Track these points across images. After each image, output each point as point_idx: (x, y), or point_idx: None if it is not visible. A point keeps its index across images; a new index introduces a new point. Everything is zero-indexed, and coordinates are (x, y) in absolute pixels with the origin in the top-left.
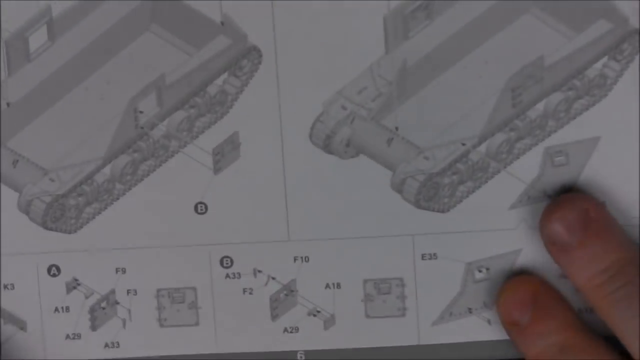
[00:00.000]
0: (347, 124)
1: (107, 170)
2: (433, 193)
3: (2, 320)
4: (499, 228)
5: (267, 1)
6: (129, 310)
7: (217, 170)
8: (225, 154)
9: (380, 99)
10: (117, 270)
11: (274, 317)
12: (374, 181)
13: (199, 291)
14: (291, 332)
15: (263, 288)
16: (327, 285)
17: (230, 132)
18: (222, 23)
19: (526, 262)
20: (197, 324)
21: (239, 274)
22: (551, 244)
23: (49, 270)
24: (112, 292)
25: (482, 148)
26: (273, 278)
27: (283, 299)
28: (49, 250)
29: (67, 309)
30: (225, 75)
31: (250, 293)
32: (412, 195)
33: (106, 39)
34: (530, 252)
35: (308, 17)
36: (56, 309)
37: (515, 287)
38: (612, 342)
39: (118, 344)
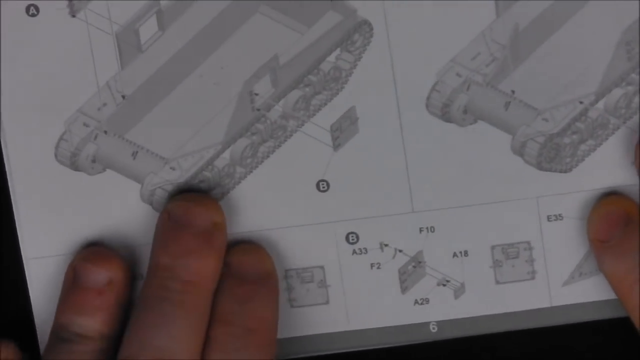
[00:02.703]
0: (463, 91)
1: (226, 154)
2: (554, 154)
3: None
4: (622, 184)
5: None
6: None
7: (336, 146)
8: (343, 130)
9: (494, 64)
10: None
11: (404, 289)
12: (494, 146)
13: (327, 269)
14: (422, 303)
15: (391, 261)
16: (455, 254)
17: (347, 107)
18: None
19: None
20: (327, 302)
21: (365, 249)
22: None
23: None
24: None
25: (601, 105)
26: (400, 251)
27: (411, 271)
28: None
29: None
30: (337, 51)
31: (378, 267)
32: (533, 158)
33: (216, 24)
34: None
35: None
36: None
37: (608, 205)
38: None
39: None
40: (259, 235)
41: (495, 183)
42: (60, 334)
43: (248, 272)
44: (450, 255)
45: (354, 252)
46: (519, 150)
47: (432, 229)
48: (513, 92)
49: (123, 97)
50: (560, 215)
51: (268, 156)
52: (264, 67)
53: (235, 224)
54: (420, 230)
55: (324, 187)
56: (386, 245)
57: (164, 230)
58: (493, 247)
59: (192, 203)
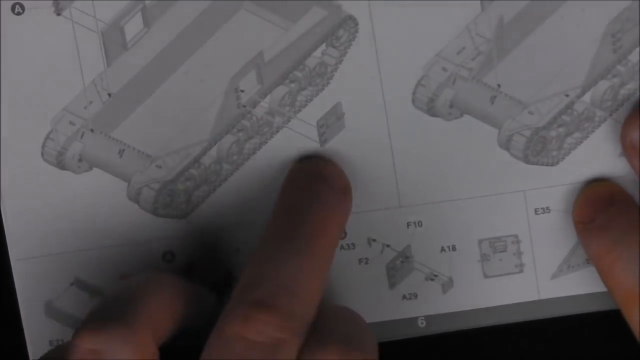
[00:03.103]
0: (448, 85)
1: (213, 152)
2: (541, 147)
3: None
4: (610, 176)
5: None
6: None
7: (322, 142)
8: (329, 125)
9: (480, 58)
10: (232, 251)
11: (392, 285)
12: (480, 140)
13: None
14: (410, 298)
15: (379, 256)
16: (443, 249)
17: (333, 103)
18: None
19: None
20: None
21: (353, 244)
22: (631, 147)
23: (163, 256)
24: (229, 273)
25: (587, 98)
26: (388, 246)
27: (399, 266)
28: (163, 237)
29: None
30: (323, 47)
31: (366, 263)
32: (520, 151)
33: (201, 21)
34: None
35: None
36: None
37: (592, 188)
38: None
39: None
40: (247, 232)
41: (482, 177)
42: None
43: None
44: (438, 250)
45: (342, 247)
46: (505, 144)
47: (420, 224)
48: (499, 85)
49: (109, 95)
50: (547, 208)
51: (254, 152)
52: (249, 64)
53: (224, 221)
54: (408, 225)
55: None
56: (374, 240)
57: (299, 178)
58: (480, 241)
59: (328, 162)
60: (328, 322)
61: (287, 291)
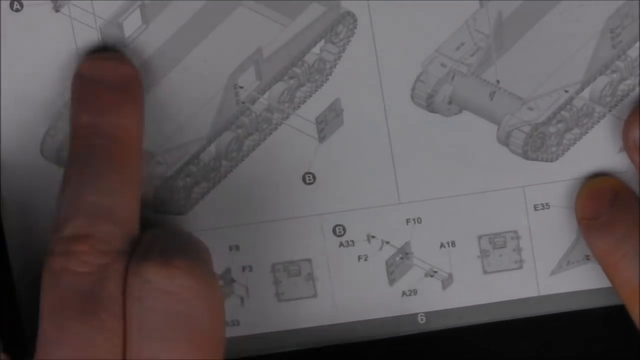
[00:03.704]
0: (447, 81)
1: (212, 148)
2: (540, 143)
3: None
4: (609, 171)
5: None
6: (246, 288)
7: (322, 138)
8: (328, 122)
9: (478, 54)
10: (230, 248)
11: (391, 281)
12: (479, 136)
13: (314, 262)
14: (410, 295)
15: (378, 253)
16: (442, 245)
17: (331, 99)
18: None
19: None
20: (314, 295)
21: (352, 241)
22: (634, 146)
23: None
24: (228, 270)
25: (586, 93)
26: (387, 242)
27: (399, 262)
28: None
29: None
30: (322, 43)
31: (366, 259)
32: (519, 147)
33: (200, 17)
34: None
35: None
36: None
37: (595, 184)
38: None
39: (238, 322)
40: (246, 229)
41: (481, 173)
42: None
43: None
44: (438, 246)
45: (341, 244)
46: (505, 140)
47: (419, 220)
48: (498, 81)
49: None
50: (547, 204)
51: (253, 149)
52: (248, 60)
53: (223, 218)
54: (407, 221)
55: (310, 180)
56: (373, 237)
57: (80, 90)
58: (480, 237)
59: (102, 60)
60: (154, 237)
61: (101, 215)
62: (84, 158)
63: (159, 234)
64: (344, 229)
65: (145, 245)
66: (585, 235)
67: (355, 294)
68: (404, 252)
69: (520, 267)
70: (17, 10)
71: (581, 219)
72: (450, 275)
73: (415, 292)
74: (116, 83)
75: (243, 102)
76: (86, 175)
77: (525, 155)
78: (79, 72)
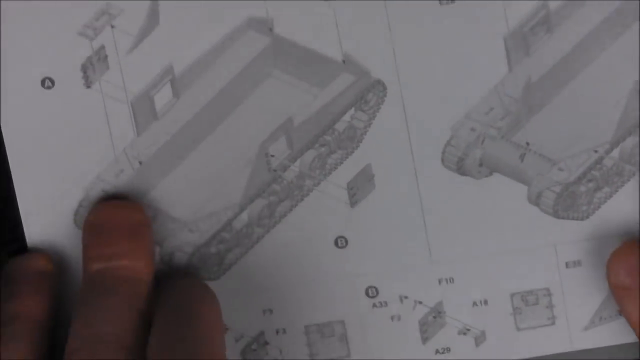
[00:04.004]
0: (477, 145)
1: (244, 215)
2: (571, 202)
3: None
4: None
5: (387, 33)
6: (280, 350)
7: (353, 203)
8: (360, 187)
9: (508, 117)
10: (264, 312)
11: (425, 340)
12: (510, 197)
13: (348, 323)
14: (443, 352)
15: (411, 313)
16: (475, 303)
17: (362, 165)
18: (344, 61)
19: None
20: (348, 356)
21: (385, 302)
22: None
23: None
24: (262, 333)
25: (615, 153)
26: (420, 302)
27: (432, 321)
28: None
29: None
30: (352, 111)
31: (399, 319)
32: (550, 207)
33: (231, 89)
34: None
35: (428, 45)
36: None
37: (627, 251)
38: None
39: None
40: (278, 292)
41: (512, 232)
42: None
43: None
44: (470, 305)
45: (374, 305)
46: (535, 200)
47: (452, 280)
48: (528, 144)
49: (140, 163)
50: (578, 261)
51: (285, 215)
52: (279, 129)
53: (256, 283)
54: (440, 281)
55: (342, 244)
56: (406, 297)
57: (91, 238)
58: (512, 295)
59: (113, 207)
60: None
61: (106, 344)
62: (94, 296)
63: None
64: (377, 290)
65: None
66: (619, 303)
67: (389, 353)
68: (437, 312)
69: (553, 324)
70: (49, 88)
71: (614, 287)
72: (483, 333)
73: (448, 350)
74: (127, 231)
75: (275, 170)
76: (96, 309)
77: (556, 214)
78: (90, 219)
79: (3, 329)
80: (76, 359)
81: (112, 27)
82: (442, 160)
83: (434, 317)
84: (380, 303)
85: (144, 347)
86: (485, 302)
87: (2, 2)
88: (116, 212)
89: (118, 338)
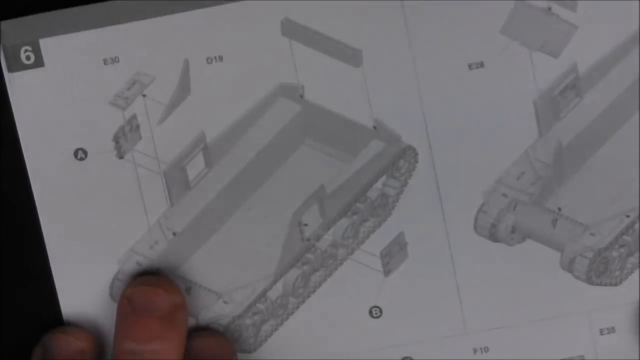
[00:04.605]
0: (510, 210)
1: (279, 286)
2: (603, 268)
3: None
4: None
5: (417, 99)
6: None
7: (387, 272)
8: (393, 255)
9: (539, 182)
10: None
11: None
12: (543, 264)
13: None
14: None
15: None
16: None
17: (395, 233)
18: (375, 127)
19: None
20: None
21: None
22: None
23: None
24: None
25: None
26: None
27: None
28: None
29: None
30: (384, 178)
31: None
32: (583, 273)
33: (262, 158)
34: None
35: (458, 111)
36: None
37: None
38: None
39: None
40: None
41: (546, 300)
42: None
43: (207, 357)
44: None
45: None
46: (568, 266)
47: (486, 349)
48: (559, 209)
49: (174, 234)
50: (612, 328)
51: (320, 285)
52: (311, 198)
53: (292, 354)
54: (475, 350)
55: (377, 314)
56: None
57: (126, 316)
58: None
59: (151, 287)
60: None
61: None
62: None
63: None
64: None
65: None
66: None
67: None
68: None
69: None
70: (82, 159)
71: None
72: None
73: None
74: (163, 312)
75: (308, 239)
76: None
77: (589, 281)
78: (126, 296)
79: None
80: None
81: (144, 96)
82: (475, 227)
83: None
84: None
85: None
86: None
87: (33, 72)
88: (152, 293)
89: None
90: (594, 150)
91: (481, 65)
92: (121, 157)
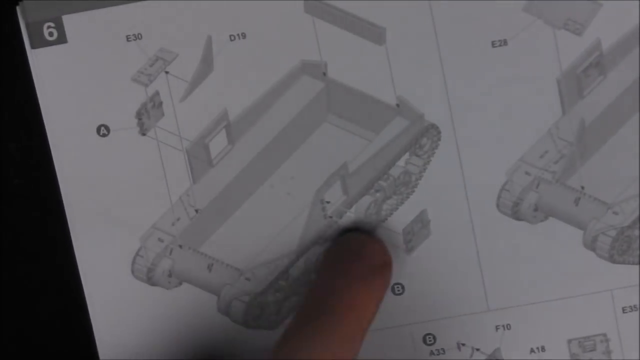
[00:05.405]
0: (532, 189)
1: (301, 263)
2: (626, 246)
3: None
4: None
5: (440, 76)
6: None
7: (409, 249)
8: (415, 233)
9: (562, 161)
10: None
11: None
12: (565, 242)
13: None
14: None
15: None
16: (532, 350)
17: (418, 210)
18: (398, 105)
19: None
20: None
21: (442, 349)
22: None
23: None
24: None
25: None
26: (477, 349)
27: None
28: (255, 349)
29: None
30: (406, 156)
31: None
32: (605, 252)
33: (285, 135)
34: None
35: (481, 88)
36: None
37: None
38: None
39: None
40: None
41: (568, 278)
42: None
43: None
44: (528, 351)
45: (432, 353)
46: (591, 244)
47: (509, 327)
48: (582, 187)
49: (196, 211)
50: (635, 306)
51: None
52: (334, 175)
53: None
54: (497, 328)
55: (399, 291)
56: (463, 344)
57: (339, 256)
58: (570, 341)
59: (368, 238)
60: None
61: None
62: (317, 314)
63: None
64: (434, 338)
65: None
66: None
67: None
68: (494, 358)
69: None
70: (104, 136)
71: None
72: None
73: None
74: (375, 263)
75: (330, 217)
76: (313, 330)
77: (612, 259)
78: (341, 242)
79: None
80: None
81: (167, 73)
82: (498, 205)
83: None
84: (438, 351)
85: None
86: (543, 348)
87: (56, 49)
88: (371, 244)
89: None
90: (617, 128)
91: (504, 42)
92: (144, 134)
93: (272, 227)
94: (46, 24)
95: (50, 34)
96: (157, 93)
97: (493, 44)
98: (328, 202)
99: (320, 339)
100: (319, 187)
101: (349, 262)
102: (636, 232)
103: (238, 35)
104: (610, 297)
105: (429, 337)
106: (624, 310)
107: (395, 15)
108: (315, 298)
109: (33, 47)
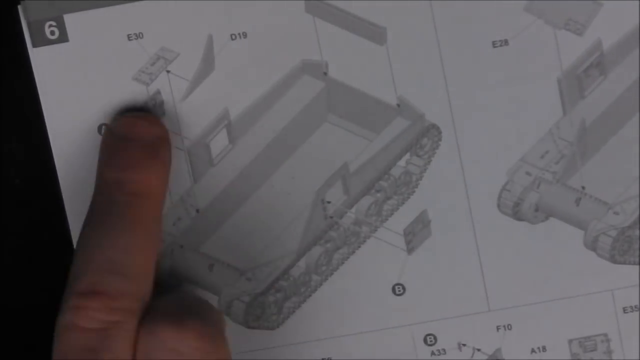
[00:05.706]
0: (533, 189)
1: (301, 263)
2: (627, 247)
3: None
4: None
5: (441, 76)
6: None
7: (410, 250)
8: (416, 233)
9: (563, 161)
10: None
11: None
12: (566, 242)
13: None
14: None
15: None
16: (533, 350)
17: (418, 211)
18: (399, 105)
19: None
20: None
21: (444, 349)
22: None
23: None
24: None
25: None
26: (478, 349)
27: None
28: (255, 349)
29: None
30: (407, 156)
31: None
32: (606, 252)
33: (286, 135)
34: None
35: (482, 88)
36: None
37: None
38: None
39: None
40: (337, 341)
41: (569, 278)
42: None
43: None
44: (529, 351)
45: (433, 353)
46: (592, 244)
47: (509, 327)
48: (583, 187)
49: (197, 210)
50: (636, 306)
51: (343, 263)
52: (334, 175)
53: (315, 332)
54: (498, 328)
55: (400, 291)
56: (464, 345)
57: (109, 145)
58: (570, 341)
59: (135, 118)
60: (169, 300)
61: (112, 272)
62: (103, 214)
63: (174, 298)
64: (435, 338)
65: (160, 308)
66: None
67: None
68: (495, 358)
69: None
70: None
71: None
72: None
73: None
74: (145, 142)
75: (331, 217)
76: (103, 231)
77: (613, 259)
78: (109, 127)
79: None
80: (82, 288)
81: (168, 72)
82: (498, 205)
83: None
84: (439, 351)
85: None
86: (544, 348)
87: (57, 48)
88: (133, 123)
89: (125, 267)
90: (618, 128)
91: (505, 43)
92: None
93: (273, 227)
94: (48, 23)
95: (52, 33)
96: (158, 92)
97: (494, 44)
98: (329, 202)
99: (115, 242)
100: (320, 187)
101: (118, 150)
102: (637, 232)
103: (239, 34)
104: (611, 297)
105: (430, 338)
106: (624, 310)
107: (396, 15)
108: (94, 202)
109: (34, 45)
